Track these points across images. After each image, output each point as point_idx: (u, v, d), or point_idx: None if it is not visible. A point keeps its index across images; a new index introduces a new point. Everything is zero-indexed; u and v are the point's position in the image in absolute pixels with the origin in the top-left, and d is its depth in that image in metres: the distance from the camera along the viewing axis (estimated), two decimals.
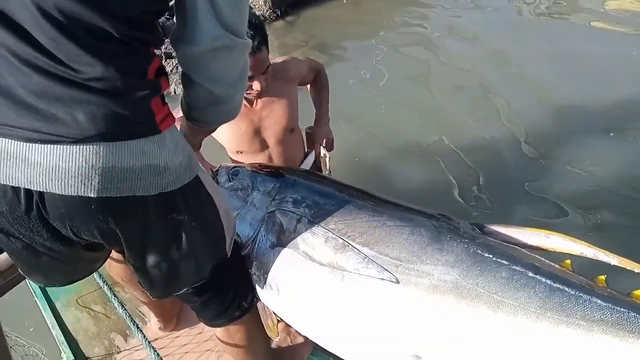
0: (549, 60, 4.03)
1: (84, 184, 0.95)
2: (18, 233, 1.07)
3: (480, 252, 1.13)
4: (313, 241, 1.31)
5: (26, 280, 1.99)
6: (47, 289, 2.13)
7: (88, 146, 0.94)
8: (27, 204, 0.99)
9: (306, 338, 1.82)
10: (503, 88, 3.76)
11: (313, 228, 1.33)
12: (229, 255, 1.29)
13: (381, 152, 3.29)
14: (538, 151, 3.17)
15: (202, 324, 1.90)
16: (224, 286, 1.35)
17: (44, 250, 1.12)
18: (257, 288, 1.45)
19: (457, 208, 2.83)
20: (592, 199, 2.80)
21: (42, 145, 0.93)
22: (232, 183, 1.57)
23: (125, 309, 1.55)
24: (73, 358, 1.96)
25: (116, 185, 0.98)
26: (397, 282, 1.10)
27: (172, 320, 1.97)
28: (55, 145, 0.93)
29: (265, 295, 1.44)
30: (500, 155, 3.19)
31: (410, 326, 1.06)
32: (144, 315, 2.07)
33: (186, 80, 1.13)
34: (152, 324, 1.99)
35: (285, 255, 1.36)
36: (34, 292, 2.13)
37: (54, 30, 0.90)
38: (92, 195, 0.96)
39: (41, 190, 0.96)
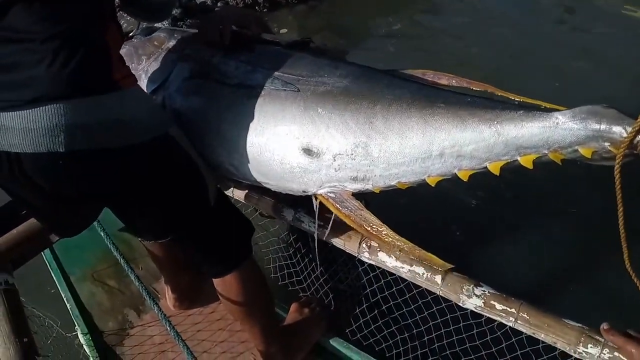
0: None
1: (52, 141, 1.02)
2: (17, 192, 1.19)
3: (368, 70, 1.35)
4: (224, 69, 1.41)
5: (42, 253, 2.02)
6: (63, 263, 2.15)
7: (50, 106, 1.01)
8: (10, 166, 1.08)
9: (319, 317, 1.82)
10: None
11: (224, 60, 1.44)
12: (212, 204, 1.35)
13: None
14: None
15: (214, 304, 1.93)
16: (217, 235, 1.42)
17: (40, 204, 1.24)
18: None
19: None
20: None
21: (12, 113, 1.01)
22: (148, 37, 1.60)
23: (142, 283, 1.55)
24: (87, 331, 1.97)
25: (82, 139, 1.04)
26: (298, 90, 1.29)
27: (187, 298, 1.98)
28: (22, 111, 1.01)
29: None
30: None
31: (307, 123, 1.25)
32: (157, 292, 2.07)
33: None
34: (167, 300, 1.99)
35: (197, 84, 1.43)
36: (50, 266, 2.15)
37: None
38: (61, 150, 1.03)
39: (18, 151, 1.04)
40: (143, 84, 1.49)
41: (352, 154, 1.20)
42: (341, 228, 1.43)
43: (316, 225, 1.44)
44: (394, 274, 1.41)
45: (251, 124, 1.31)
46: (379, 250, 1.38)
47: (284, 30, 1.59)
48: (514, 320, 1.21)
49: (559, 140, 1.02)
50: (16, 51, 1.01)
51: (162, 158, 1.20)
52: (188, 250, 1.50)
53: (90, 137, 1.05)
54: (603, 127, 0.98)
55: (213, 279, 1.53)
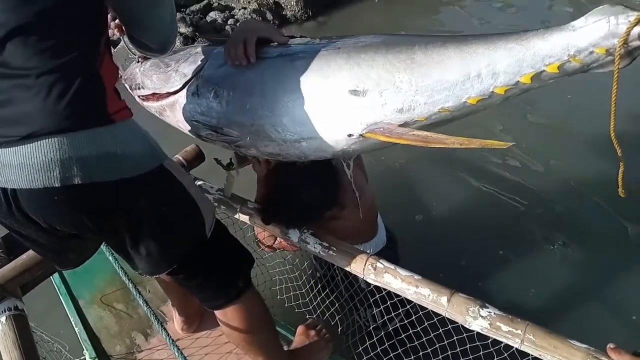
0: None
1: (47, 176, 1.03)
2: (15, 227, 1.18)
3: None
4: (260, 51, 1.42)
5: (51, 277, 2.04)
6: (72, 287, 2.16)
7: (45, 141, 1.02)
8: (7, 203, 1.09)
9: (325, 340, 1.81)
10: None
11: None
12: (208, 236, 1.34)
13: (408, 156, 3.25)
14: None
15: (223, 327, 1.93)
16: (214, 267, 1.40)
17: (40, 240, 1.22)
18: (204, 109, 1.44)
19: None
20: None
21: (8, 149, 1.03)
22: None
23: (150, 307, 1.55)
24: (95, 355, 1.98)
25: (77, 173, 1.04)
26: (339, 48, 1.34)
27: (195, 321, 1.97)
28: (18, 146, 1.02)
29: (215, 109, 1.43)
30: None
31: (351, 67, 1.31)
32: (165, 314, 2.07)
33: None
34: (175, 323, 2.00)
35: (234, 66, 1.41)
36: (59, 290, 2.16)
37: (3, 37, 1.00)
38: (57, 185, 1.03)
39: (14, 187, 1.05)
40: (173, 81, 1.48)
41: (397, 87, 1.26)
42: (347, 251, 1.44)
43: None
44: (399, 296, 1.40)
45: (296, 80, 1.34)
46: (385, 272, 1.38)
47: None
48: (520, 341, 1.20)
49: (576, 44, 1.09)
50: (11, 87, 1.02)
51: (157, 191, 1.20)
52: (184, 283, 1.47)
53: (85, 171, 1.05)
54: (611, 22, 1.05)
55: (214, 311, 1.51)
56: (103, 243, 1.49)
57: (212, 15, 5.38)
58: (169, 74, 1.50)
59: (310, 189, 1.53)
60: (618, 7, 1.06)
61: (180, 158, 1.83)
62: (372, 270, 1.40)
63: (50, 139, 1.02)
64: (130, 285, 1.69)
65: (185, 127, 1.51)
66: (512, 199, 2.88)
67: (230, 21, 5.30)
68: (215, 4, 5.71)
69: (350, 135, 1.31)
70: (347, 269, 1.46)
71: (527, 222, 2.73)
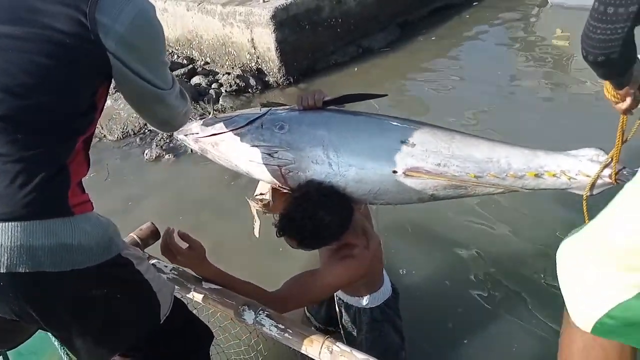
0: None
1: None
2: None
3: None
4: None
5: None
6: None
7: None
8: None
9: None
10: None
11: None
12: (162, 321, 1.33)
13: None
14: None
15: None
16: (168, 351, 1.40)
17: None
18: (267, 137, 1.70)
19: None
20: None
21: None
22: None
23: None
24: None
25: (25, 262, 1.05)
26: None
27: None
28: None
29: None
30: None
31: (405, 129, 1.68)
32: None
33: None
34: None
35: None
36: None
37: None
38: (2, 271, 1.04)
39: None
40: (238, 122, 1.74)
41: (438, 150, 1.60)
42: (303, 334, 1.46)
43: None
44: None
45: (358, 124, 1.71)
46: (341, 355, 1.38)
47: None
48: None
49: (567, 166, 1.54)
50: None
51: (109, 282, 1.20)
52: None
53: (34, 261, 1.06)
54: (592, 159, 1.53)
55: None
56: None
57: (197, 79, 5.54)
58: (233, 118, 1.77)
59: (329, 208, 1.60)
60: (599, 151, 1.52)
61: (135, 237, 1.85)
62: (328, 354, 1.40)
63: (3, 225, 1.04)
64: None
65: (237, 156, 1.73)
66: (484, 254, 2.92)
67: (214, 85, 5.45)
68: (200, 69, 5.89)
69: (394, 172, 1.59)
70: (304, 351, 1.46)
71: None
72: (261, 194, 1.79)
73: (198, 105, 5.00)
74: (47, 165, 1.09)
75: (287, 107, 1.83)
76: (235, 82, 5.39)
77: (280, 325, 1.50)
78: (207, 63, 6.07)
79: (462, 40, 6.22)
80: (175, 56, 6.30)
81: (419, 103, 4.87)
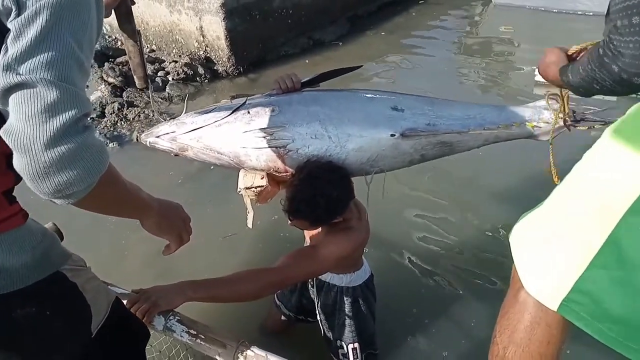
0: None
1: None
2: None
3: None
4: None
5: None
6: None
7: None
8: None
9: None
10: None
11: None
12: (93, 335, 1.23)
13: None
14: None
15: None
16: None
17: None
18: (260, 121, 1.69)
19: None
20: None
21: None
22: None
23: None
24: None
25: None
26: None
27: None
28: None
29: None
30: None
31: (391, 98, 1.82)
32: None
33: None
34: None
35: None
36: None
37: None
38: None
39: None
40: (219, 114, 1.73)
41: (425, 112, 1.75)
42: (216, 339, 1.42)
43: None
44: None
45: (350, 97, 1.79)
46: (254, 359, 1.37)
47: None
48: None
49: (529, 115, 1.78)
50: None
51: (39, 301, 1.10)
52: None
53: None
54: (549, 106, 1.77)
55: None
56: None
57: None
58: (211, 112, 1.76)
59: (334, 183, 1.62)
60: (552, 100, 1.75)
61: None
62: (242, 359, 1.38)
63: None
64: None
65: (226, 146, 1.69)
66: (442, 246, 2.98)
67: (160, 73, 5.29)
68: (146, 56, 5.70)
69: (392, 135, 1.67)
70: (217, 357, 1.42)
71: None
72: (259, 185, 1.75)
73: (144, 94, 4.84)
74: None
75: (262, 94, 1.82)
76: (183, 71, 5.26)
77: (192, 331, 1.45)
78: (152, 51, 5.88)
79: (409, 35, 6.38)
80: (119, 43, 6.07)
81: None
